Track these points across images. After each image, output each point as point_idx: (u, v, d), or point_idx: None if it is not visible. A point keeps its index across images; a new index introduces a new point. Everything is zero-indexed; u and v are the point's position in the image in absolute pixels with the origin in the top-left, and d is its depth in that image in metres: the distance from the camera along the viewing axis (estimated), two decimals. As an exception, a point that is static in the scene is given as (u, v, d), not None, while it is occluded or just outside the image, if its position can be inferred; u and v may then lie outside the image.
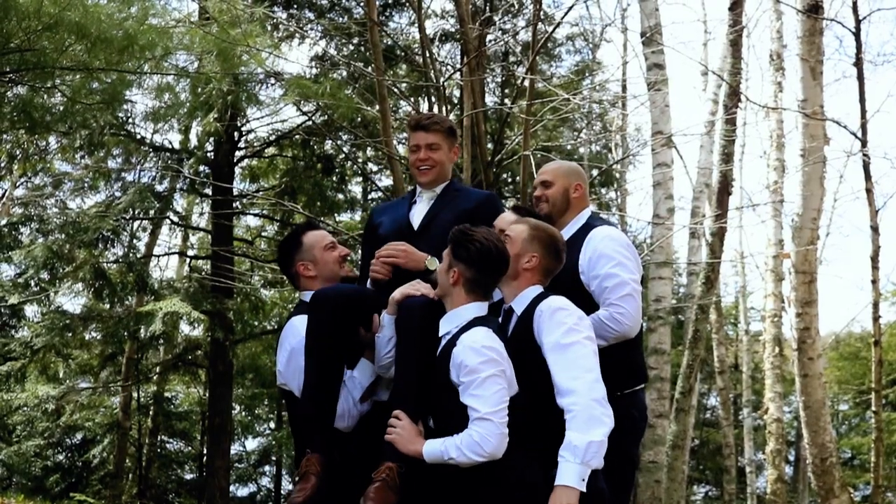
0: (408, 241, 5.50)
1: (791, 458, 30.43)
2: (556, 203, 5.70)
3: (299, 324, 5.31)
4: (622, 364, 5.38)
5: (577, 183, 5.79)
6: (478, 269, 4.89)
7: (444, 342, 4.88)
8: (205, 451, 24.39)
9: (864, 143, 13.80)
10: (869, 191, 13.97)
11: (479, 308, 4.92)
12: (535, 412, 4.78)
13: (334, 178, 22.16)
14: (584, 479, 4.57)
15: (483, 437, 4.58)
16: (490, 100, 20.49)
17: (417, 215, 5.72)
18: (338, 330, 5.13)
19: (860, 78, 14.13)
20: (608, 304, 5.36)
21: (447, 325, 4.92)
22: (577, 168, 5.99)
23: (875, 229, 13.89)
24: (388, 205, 6.17)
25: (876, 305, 14.17)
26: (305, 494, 4.91)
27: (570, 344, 4.74)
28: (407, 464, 4.80)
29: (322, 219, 20.24)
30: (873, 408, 14.25)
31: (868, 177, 13.98)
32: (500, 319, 5.07)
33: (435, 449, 4.72)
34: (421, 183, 5.75)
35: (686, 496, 15.44)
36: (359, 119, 18.81)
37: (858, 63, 14.16)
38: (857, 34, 14.14)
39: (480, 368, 4.64)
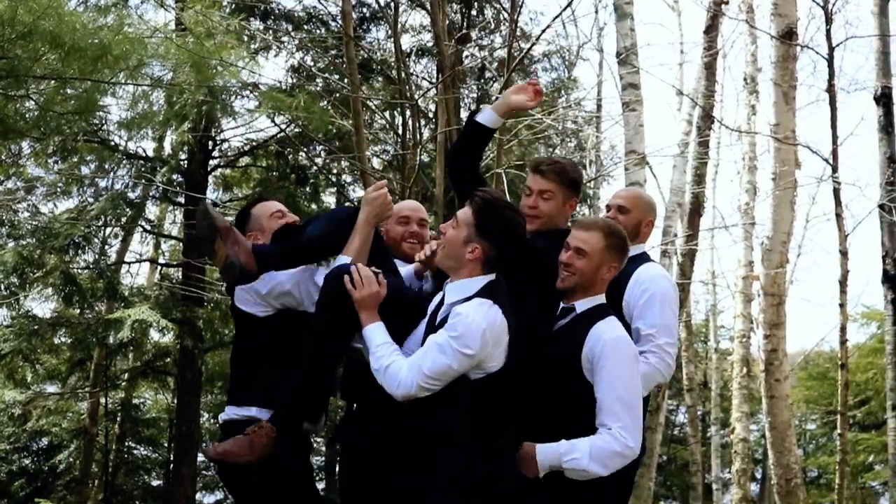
0: None
1: (758, 475, 30.55)
2: (627, 232, 5.45)
3: None
4: None
5: (651, 219, 5.74)
6: (503, 249, 4.82)
7: (443, 311, 4.84)
8: (172, 459, 24.28)
9: (834, 169, 13.91)
10: (839, 215, 14.07)
11: (488, 278, 4.85)
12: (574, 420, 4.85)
13: (308, 189, 22.13)
14: (547, 470, 4.75)
15: (394, 375, 4.70)
16: (466, 115, 20.52)
17: None
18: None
19: (832, 104, 14.23)
20: (655, 348, 5.30)
21: (454, 295, 4.84)
22: (653, 203, 5.94)
23: (844, 254, 13.99)
24: None
25: (843, 329, 14.26)
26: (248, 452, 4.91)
27: (626, 375, 4.77)
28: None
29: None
30: (838, 430, 14.33)
31: (838, 202, 14.08)
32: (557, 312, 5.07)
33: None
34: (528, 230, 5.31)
35: (652, 514, 15.52)
36: (333, 131, 18.82)
37: (831, 89, 14.26)
38: (830, 61, 14.25)
39: (451, 329, 4.65)
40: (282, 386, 5.05)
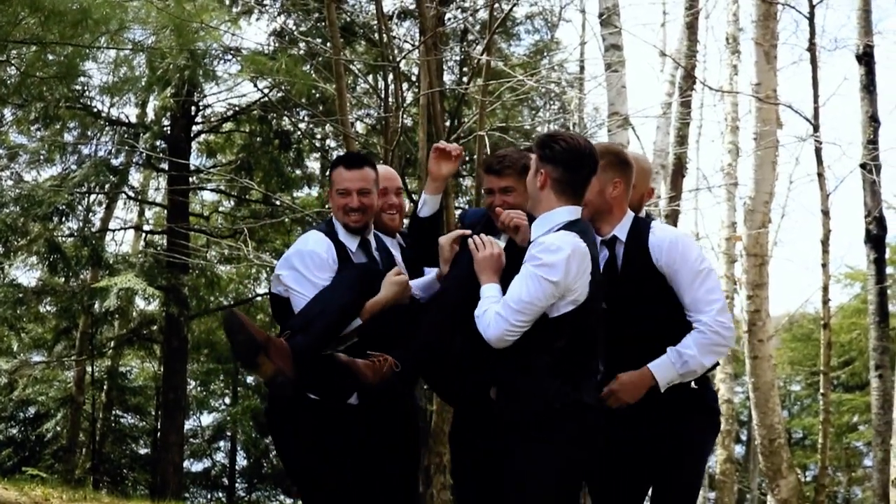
0: None
1: (744, 437, 30.72)
2: (633, 205, 5.45)
3: (308, 236, 5.51)
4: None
5: (652, 187, 5.73)
6: (566, 168, 4.81)
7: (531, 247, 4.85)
8: (159, 427, 24.34)
9: (816, 128, 13.89)
10: (821, 175, 14.08)
11: (571, 212, 4.84)
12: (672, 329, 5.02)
13: (291, 154, 22.15)
14: (668, 384, 4.98)
15: (486, 318, 4.72)
16: (448, 78, 20.47)
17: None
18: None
19: (813, 63, 14.21)
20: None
21: (538, 230, 4.84)
22: (650, 167, 5.96)
23: (826, 213, 14.00)
24: (473, 221, 5.73)
25: (826, 289, 14.29)
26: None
27: (705, 270, 5.03)
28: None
29: (278, 195, 20.23)
30: (822, 390, 14.38)
31: (820, 161, 14.08)
32: (605, 249, 5.15)
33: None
34: (500, 227, 5.37)
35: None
36: (317, 95, 18.80)
37: (812, 48, 14.23)
38: (810, 19, 14.23)
39: (533, 259, 4.68)
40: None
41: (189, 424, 27.10)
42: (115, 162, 20.84)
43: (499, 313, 4.66)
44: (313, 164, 24.66)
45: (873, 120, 14.86)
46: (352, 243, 5.47)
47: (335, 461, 5.30)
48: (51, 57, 13.32)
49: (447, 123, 15.52)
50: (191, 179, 22.26)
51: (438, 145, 5.55)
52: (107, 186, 20.89)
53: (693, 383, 5.10)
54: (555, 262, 4.63)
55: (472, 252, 4.94)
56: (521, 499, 4.72)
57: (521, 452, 4.72)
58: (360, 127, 21.52)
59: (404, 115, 14.29)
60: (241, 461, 29.75)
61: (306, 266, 5.32)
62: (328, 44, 14.55)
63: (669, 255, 5.02)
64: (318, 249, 5.35)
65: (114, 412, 26.17)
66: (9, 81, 13.79)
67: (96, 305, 20.27)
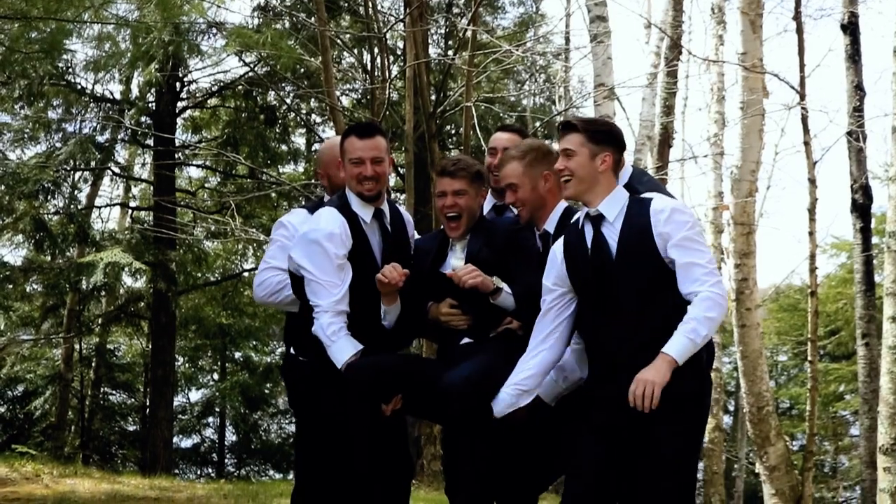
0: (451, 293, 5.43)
1: (731, 407, 30.84)
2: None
3: (320, 213, 5.45)
4: None
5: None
6: (620, 151, 4.94)
7: (620, 223, 4.78)
8: (148, 403, 24.34)
9: (802, 97, 13.91)
10: (807, 144, 14.09)
11: (627, 193, 4.90)
12: None
13: (277, 129, 22.12)
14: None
15: (721, 291, 4.59)
16: (434, 51, 20.46)
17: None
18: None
19: (799, 32, 14.22)
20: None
21: (612, 209, 4.81)
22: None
23: (812, 182, 14.02)
24: (425, 247, 5.77)
25: (813, 257, 14.32)
26: None
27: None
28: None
29: (264, 170, 20.21)
30: (809, 358, 14.42)
31: (806, 130, 14.10)
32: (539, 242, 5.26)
33: (681, 343, 4.58)
34: (451, 236, 5.54)
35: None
36: (302, 70, 18.76)
37: (797, 17, 14.24)
38: (796, -12, 14.25)
39: (685, 223, 4.68)
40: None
41: (178, 400, 27.13)
42: (100, 139, 20.79)
43: (712, 284, 4.57)
44: (299, 140, 24.65)
45: (859, 89, 14.87)
46: (366, 214, 5.44)
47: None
48: (34, 33, 13.24)
49: (433, 97, 15.52)
50: (177, 155, 22.23)
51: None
52: (92, 163, 20.85)
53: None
54: (690, 212, 4.80)
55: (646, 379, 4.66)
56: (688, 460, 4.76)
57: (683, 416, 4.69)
58: (345, 101, 21.50)
59: (390, 89, 14.27)
60: (230, 436, 29.81)
61: (319, 243, 5.31)
62: (313, 17, 14.51)
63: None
64: (330, 227, 5.33)
65: (102, 389, 26.18)
66: (-8, 59, 13.73)
67: (83, 282, 20.22)
